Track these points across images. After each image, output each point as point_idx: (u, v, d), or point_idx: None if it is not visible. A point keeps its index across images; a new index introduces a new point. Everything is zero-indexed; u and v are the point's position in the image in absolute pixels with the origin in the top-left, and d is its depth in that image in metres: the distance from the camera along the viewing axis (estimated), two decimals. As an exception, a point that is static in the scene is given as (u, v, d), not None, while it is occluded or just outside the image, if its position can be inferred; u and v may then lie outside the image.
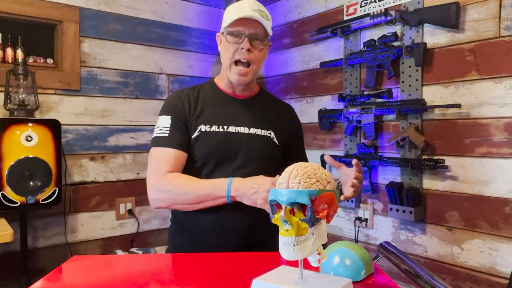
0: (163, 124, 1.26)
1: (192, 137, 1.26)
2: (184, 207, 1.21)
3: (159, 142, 1.25)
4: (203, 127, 1.26)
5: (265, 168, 1.25)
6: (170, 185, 1.20)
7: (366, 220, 2.14)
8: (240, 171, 1.21)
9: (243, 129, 1.28)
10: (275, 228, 1.31)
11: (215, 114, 1.29)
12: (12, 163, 1.86)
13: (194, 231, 1.26)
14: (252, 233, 1.25)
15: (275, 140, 1.32)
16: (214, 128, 1.27)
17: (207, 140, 1.25)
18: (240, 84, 1.29)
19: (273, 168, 1.30)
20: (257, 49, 1.24)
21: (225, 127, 1.27)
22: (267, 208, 1.08)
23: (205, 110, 1.29)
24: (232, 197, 1.13)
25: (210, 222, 1.23)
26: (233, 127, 1.28)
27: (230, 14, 1.23)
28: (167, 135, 1.24)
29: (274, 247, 1.23)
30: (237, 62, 1.24)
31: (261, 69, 1.34)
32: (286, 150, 1.37)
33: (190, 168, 1.27)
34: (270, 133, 1.32)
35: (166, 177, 1.20)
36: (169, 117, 1.26)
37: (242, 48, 1.21)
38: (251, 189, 1.10)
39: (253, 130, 1.29)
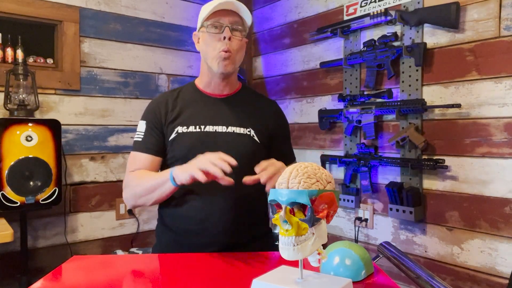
0: (140, 128, 1.32)
1: (170, 139, 1.27)
2: (144, 200, 1.23)
3: (134, 146, 1.32)
4: (180, 129, 1.27)
5: (246, 167, 1.21)
6: (130, 180, 1.26)
7: (366, 220, 2.14)
8: None
9: (221, 128, 1.27)
10: (259, 230, 1.31)
11: (192, 115, 1.29)
12: (12, 163, 1.86)
13: (178, 231, 1.26)
14: (235, 234, 1.23)
15: (256, 138, 1.29)
16: (191, 128, 1.27)
17: (184, 141, 1.26)
18: (224, 72, 1.26)
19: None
20: (237, 38, 1.25)
21: (202, 127, 1.27)
22: (198, 175, 1.04)
23: (183, 112, 1.30)
24: (174, 178, 1.12)
25: (192, 222, 1.23)
26: (211, 127, 1.27)
27: (208, 8, 1.24)
28: (140, 139, 1.30)
29: (258, 249, 1.22)
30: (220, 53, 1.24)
31: (240, 62, 1.33)
32: (269, 148, 1.34)
33: None
34: (249, 131, 1.28)
35: (129, 175, 1.27)
36: (145, 122, 1.32)
37: (224, 38, 1.22)
38: (188, 164, 1.09)
39: (231, 129, 1.27)
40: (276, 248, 1.29)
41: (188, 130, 1.27)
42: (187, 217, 1.24)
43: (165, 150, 1.30)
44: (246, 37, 1.30)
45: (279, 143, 1.38)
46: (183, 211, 1.24)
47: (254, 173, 1.20)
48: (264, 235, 1.35)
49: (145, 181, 1.22)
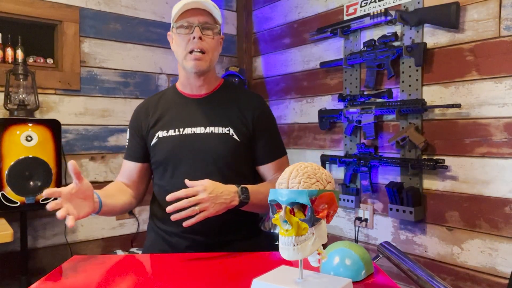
0: (127, 136, 1.37)
1: (151, 144, 1.29)
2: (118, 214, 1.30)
3: (124, 153, 1.37)
4: (160, 133, 1.28)
5: (226, 168, 1.23)
6: None
7: (366, 220, 2.14)
8: (201, 172, 1.19)
9: (199, 130, 1.26)
10: (244, 231, 1.30)
11: (172, 118, 1.29)
12: (12, 163, 1.86)
13: (163, 230, 1.28)
14: (217, 234, 1.23)
15: (235, 136, 1.25)
16: (171, 132, 1.27)
17: (164, 145, 1.27)
18: (198, 72, 1.24)
19: (238, 166, 1.27)
20: (209, 37, 1.23)
21: (181, 129, 1.26)
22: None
23: (164, 116, 1.31)
24: None
25: (175, 224, 1.21)
26: (189, 129, 1.26)
27: (177, 8, 1.23)
28: (126, 146, 1.36)
29: (243, 249, 1.21)
30: (191, 52, 1.23)
31: (216, 60, 1.34)
32: (250, 146, 1.29)
33: (155, 174, 1.32)
34: (228, 130, 1.25)
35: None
36: (128, 129, 1.36)
37: (194, 38, 1.20)
38: None
39: (209, 129, 1.25)
40: (276, 248, 1.28)
41: (168, 134, 1.27)
42: (170, 219, 1.23)
43: (149, 156, 1.32)
44: (219, 34, 1.29)
45: (262, 138, 1.31)
46: (166, 213, 1.23)
47: (236, 173, 1.21)
48: (252, 236, 1.33)
49: None
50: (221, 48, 1.33)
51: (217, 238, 1.23)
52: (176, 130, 1.27)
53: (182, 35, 1.22)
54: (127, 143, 1.35)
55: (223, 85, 1.37)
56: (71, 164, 0.99)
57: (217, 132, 1.25)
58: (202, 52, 1.22)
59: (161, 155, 1.27)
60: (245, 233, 1.31)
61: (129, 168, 1.33)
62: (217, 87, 1.35)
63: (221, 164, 1.23)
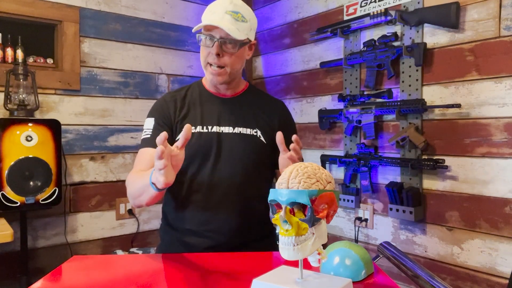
0: (147, 126, 1.28)
1: (177, 138, 1.27)
2: (139, 202, 1.18)
3: (142, 143, 1.27)
4: None
5: (251, 168, 1.23)
6: (128, 180, 1.22)
7: (366, 220, 2.14)
8: (225, 171, 1.21)
9: (227, 129, 1.27)
10: (263, 230, 1.31)
11: (200, 115, 1.29)
12: (12, 163, 1.86)
13: (181, 230, 1.27)
14: (239, 235, 1.23)
15: (262, 138, 1.29)
16: (199, 128, 1.26)
17: (191, 141, 1.24)
18: (217, 84, 1.27)
19: (262, 168, 1.29)
20: (228, 53, 1.20)
21: (209, 127, 1.27)
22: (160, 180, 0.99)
23: (191, 111, 1.30)
24: (153, 183, 1.05)
25: (196, 223, 1.23)
26: (217, 127, 1.27)
27: (204, 16, 1.21)
28: (149, 136, 1.26)
29: (262, 249, 1.23)
30: (210, 65, 1.23)
31: (242, 68, 1.32)
32: (276, 149, 1.29)
33: None
34: (256, 132, 1.29)
35: (130, 174, 1.23)
36: (153, 118, 1.28)
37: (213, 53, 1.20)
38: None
39: (237, 130, 1.27)
40: (277, 247, 1.29)
41: (196, 130, 1.26)
42: (191, 217, 1.24)
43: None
44: (246, 44, 1.24)
45: (287, 143, 1.35)
46: (187, 212, 1.24)
47: (260, 173, 1.20)
48: (268, 235, 1.35)
49: (136, 183, 1.19)
50: (251, 53, 1.31)
51: (237, 238, 1.23)
52: (204, 127, 1.27)
53: (204, 46, 1.22)
54: (149, 133, 1.27)
55: (248, 89, 1.38)
56: (187, 128, 0.98)
57: (245, 133, 1.27)
58: (221, 67, 1.22)
59: (187, 151, 1.22)
60: (262, 233, 1.32)
61: (152, 156, 1.27)
62: (243, 90, 1.36)
63: (247, 165, 1.24)
